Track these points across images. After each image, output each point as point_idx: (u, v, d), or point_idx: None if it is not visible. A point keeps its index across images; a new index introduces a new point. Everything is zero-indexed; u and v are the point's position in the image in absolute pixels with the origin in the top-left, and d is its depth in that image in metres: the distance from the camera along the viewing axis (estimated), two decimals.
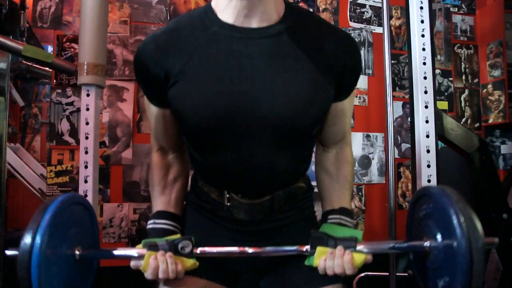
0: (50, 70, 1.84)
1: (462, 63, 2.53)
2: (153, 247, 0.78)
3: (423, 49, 1.44)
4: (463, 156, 1.72)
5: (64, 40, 1.99)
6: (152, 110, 0.85)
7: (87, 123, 1.51)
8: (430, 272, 0.76)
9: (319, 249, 0.79)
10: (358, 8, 2.37)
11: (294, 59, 0.76)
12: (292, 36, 0.76)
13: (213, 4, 0.79)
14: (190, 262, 0.80)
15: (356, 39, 2.33)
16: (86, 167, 1.50)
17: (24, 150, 2.22)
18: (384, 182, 2.28)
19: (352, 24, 2.35)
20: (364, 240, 0.81)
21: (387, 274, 1.55)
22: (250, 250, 0.79)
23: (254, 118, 0.75)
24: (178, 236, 0.84)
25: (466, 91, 2.52)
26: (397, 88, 2.38)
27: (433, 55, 1.46)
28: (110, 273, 1.84)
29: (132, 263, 0.80)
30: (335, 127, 0.89)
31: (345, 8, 2.34)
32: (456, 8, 2.54)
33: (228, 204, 0.84)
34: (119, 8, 2.05)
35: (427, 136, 1.42)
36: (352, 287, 1.93)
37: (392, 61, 2.32)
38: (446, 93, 2.49)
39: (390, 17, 2.37)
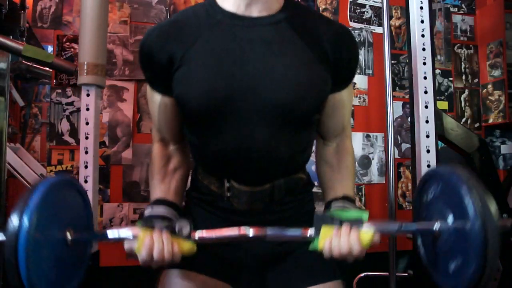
0: (50, 70, 1.83)
1: (462, 63, 2.53)
2: (149, 227, 0.74)
3: (423, 49, 1.44)
4: (463, 156, 1.72)
5: (64, 40, 1.99)
6: (156, 99, 0.85)
7: (87, 123, 1.51)
8: (440, 256, 0.72)
9: (323, 229, 0.74)
10: (358, 8, 2.37)
11: (293, 46, 0.79)
12: (291, 25, 0.79)
13: (218, 1, 0.82)
14: (188, 246, 0.75)
15: (356, 39, 2.33)
16: (86, 167, 1.50)
17: (24, 150, 2.22)
18: (384, 182, 2.28)
19: (352, 24, 2.35)
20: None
21: (387, 274, 1.55)
22: (250, 233, 0.74)
23: (254, 100, 0.77)
24: None
25: (466, 91, 2.53)
26: (397, 88, 2.38)
27: (433, 55, 1.46)
28: (110, 273, 1.84)
29: (126, 246, 0.73)
30: (334, 119, 0.89)
31: (345, 8, 2.34)
32: (456, 8, 2.54)
33: (228, 194, 0.84)
34: (119, 8, 2.05)
35: (427, 136, 1.42)
36: (352, 287, 1.93)
37: (392, 61, 2.31)
38: (446, 93, 2.49)
39: (390, 17, 2.37)
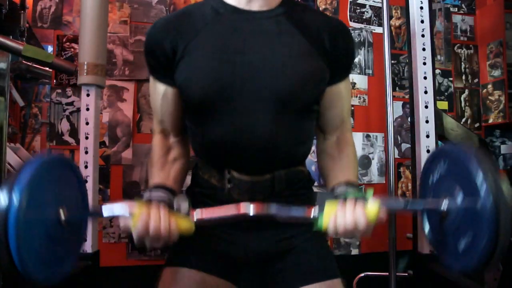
0: (50, 70, 1.84)
1: (462, 63, 2.53)
2: (147, 202, 0.71)
3: (423, 49, 1.44)
4: None
5: (64, 40, 1.99)
6: (159, 90, 0.87)
7: (87, 123, 1.51)
8: (448, 235, 0.70)
9: (328, 206, 0.72)
10: (358, 8, 2.37)
11: (291, 37, 0.82)
12: (289, 19, 0.84)
13: None
14: (186, 224, 0.72)
15: (356, 39, 2.34)
16: (86, 167, 1.50)
17: (24, 150, 2.22)
18: (384, 182, 2.28)
19: (352, 24, 2.35)
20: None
21: (387, 274, 1.55)
22: (251, 211, 0.71)
23: (255, 86, 0.79)
24: None
25: (466, 91, 2.52)
26: (397, 88, 2.38)
27: (433, 55, 1.46)
28: (110, 273, 1.84)
29: (122, 222, 0.70)
30: (333, 110, 0.90)
31: (345, 8, 2.34)
32: (456, 8, 2.54)
33: (229, 186, 0.84)
34: (119, 8, 2.05)
35: (427, 136, 1.42)
36: (352, 287, 1.93)
37: (392, 61, 2.31)
38: (446, 93, 2.49)
39: (390, 17, 2.37)
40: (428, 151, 1.41)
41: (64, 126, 1.97)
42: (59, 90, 1.98)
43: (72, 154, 1.94)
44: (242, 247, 0.87)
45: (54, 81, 1.97)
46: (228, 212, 0.73)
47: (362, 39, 2.36)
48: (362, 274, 1.95)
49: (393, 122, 1.61)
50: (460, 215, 0.66)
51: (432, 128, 1.42)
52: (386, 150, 2.24)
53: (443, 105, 2.45)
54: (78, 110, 1.89)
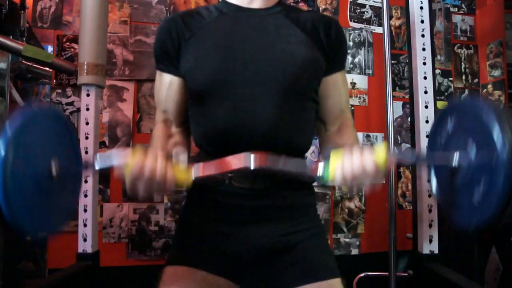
0: (50, 70, 1.84)
1: (462, 63, 2.53)
2: (144, 148, 0.69)
3: (423, 49, 1.44)
4: None
5: (64, 40, 1.99)
6: (165, 81, 0.92)
7: (87, 123, 1.51)
8: (458, 190, 0.69)
9: (334, 154, 0.69)
10: (358, 8, 2.37)
11: (289, 31, 0.90)
12: (286, 16, 0.92)
13: None
14: (183, 174, 0.69)
15: (356, 39, 2.34)
16: None
17: None
18: (384, 182, 2.28)
19: (352, 24, 2.35)
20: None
21: (387, 274, 1.55)
22: (252, 164, 0.68)
23: (257, 70, 0.84)
24: None
25: (466, 91, 2.52)
26: (397, 88, 2.38)
27: (433, 55, 1.46)
28: (110, 273, 1.84)
29: (117, 170, 0.68)
30: (331, 100, 0.94)
31: (345, 8, 2.34)
32: (456, 8, 2.54)
33: (230, 175, 0.85)
34: (119, 8, 2.05)
35: (427, 137, 1.42)
36: (352, 287, 1.93)
37: (392, 61, 2.31)
38: (446, 93, 2.49)
39: (390, 17, 2.37)
40: None
41: None
42: (59, 90, 1.98)
43: None
44: (243, 242, 0.87)
45: (54, 81, 1.97)
46: (228, 166, 0.70)
47: (362, 39, 2.36)
48: (362, 274, 1.95)
49: (393, 122, 1.61)
50: (473, 168, 0.64)
51: None
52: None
53: (443, 105, 2.45)
54: (78, 110, 1.89)
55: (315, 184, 0.99)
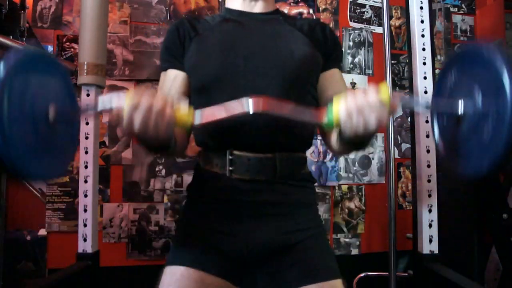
0: None
1: None
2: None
3: (423, 49, 1.44)
4: None
5: (64, 40, 1.99)
6: (170, 76, 0.96)
7: (87, 123, 1.51)
8: (462, 138, 0.68)
9: (336, 98, 0.68)
10: (358, 8, 2.37)
11: (289, 30, 0.97)
12: (285, 20, 1.00)
13: (226, 4, 1.04)
14: (183, 113, 0.68)
15: (356, 39, 2.34)
16: (86, 167, 1.50)
17: None
18: (384, 182, 2.28)
19: (352, 24, 2.35)
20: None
21: (387, 274, 1.55)
22: (250, 108, 0.67)
23: (259, 65, 0.88)
24: None
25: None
26: (397, 88, 2.38)
27: (433, 55, 1.46)
28: (110, 273, 1.84)
29: (116, 110, 0.66)
30: (330, 91, 0.95)
31: (345, 8, 2.34)
32: (456, 8, 2.54)
33: (231, 168, 0.86)
34: (119, 8, 2.05)
35: (427, 136, 1.42)
36: (352, 287, 1.93)
37: (392, 61, 2.32)
38: None
39: (390, 17, 2.37)
40: (428, 151, 1.41)
41: None
42: None
43: None
44: (243, 240, 0.87)
45: None
46: (230, 111, 0.69)
47: (362, 39, 2.36)
48: (362, 274, 1.95)
49: (393, 122, 1.61)
50: (478, 115, 0.63)
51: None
52: (386, 150, 2.24)
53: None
54: None
55: (315, 184, 0.99)
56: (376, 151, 2.31)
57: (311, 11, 2.27)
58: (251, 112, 0.68)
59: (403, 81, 2.40)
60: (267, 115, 0.69)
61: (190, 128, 0.71)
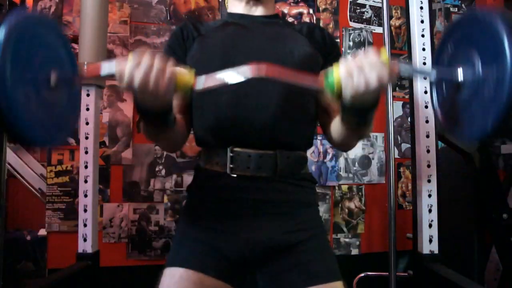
0: None
1: None
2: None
3: (423, 49, 1.44)
4: (463, 156, 1.73)
5: None
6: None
7: (87, 123, 1.51)
8: (461, 103, 0.69)
9: (336, 64, 0.69)
10: (358, 8, 2.37)
11: (289, 32, 1.00)
12: (284, 24, 1.05)
13: (228, 9, 1.08)
14: (184, 74, 0.68)
15: (356, 39, 2.34)
16: (86, 167, 1.50)
17: (24, 150, 2.22)
18: (384, 182, 2.28)
19: (352, 24, 2.35)
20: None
21: (387, 274, 1.55)
22: (249, 73, 0.68)
23: (261, 58, 0.84)
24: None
25: None
26: (397, 88, 2.38)
27: (433, 55, 1.46)
28: (110, 273, 1.84)
29: (118, 74, 0.67)
30: None
31: (345, 8, 2.34)
32: (456, 8, 2.54)
33: (232, 166, 0.86)
34: (119, 8, 2.05)
35: (427, 136, 1.42)
36: (352, 287, 1.93)
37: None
38: None
39: (390, 17, 2.37)
40: (428, 151, 1.41)
41: None
42: None
43: (72, 154, 1.94)
44: (244, 240, 0.86)
45: None
46: (232, 77, 0.70)
47: (362, 39, 2.36)
48: (362, 274, 1.95)
49: (393, 122, 1.61)
50: (478, 79, 0.64)
51: (432, 128, 1.42)
52: (386, 150, 2.24)
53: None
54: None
55: (316, 185, 0.99)
56: (376, 151, 2.31)
57: (311, 11, 2.27)
58: (249, 76, 0.69)
59: (403, 81, 2.40)
60: (268, 80, 0.71)
61: (190, 93, 0.71)
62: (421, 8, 1.45)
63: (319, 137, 2.20)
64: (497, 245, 1.78)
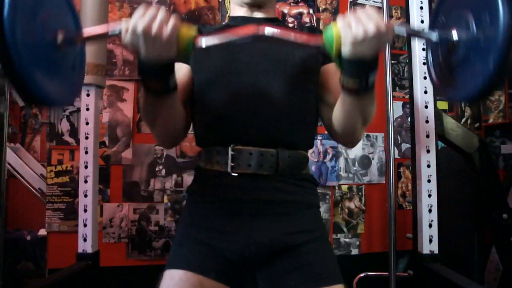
0: None
1: None
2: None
3: (423, 49, 1.44)
4: (463, 156, 1.73)
5: None
6: (177, 67, 0.97)
7: (87, 123, 1.51)
8: (455, 64, 0.70)
9: (334, 22, 0.71)
10: (358, 8, 2.36)
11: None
12: (284, 25, 1.05)
13: (230, 14, 1.09)
14: (187, 28, 0.69)
15: None
16: (86, 167, 1.50)
17: (24, 150, 2.23)
18: (384, 182, 2.28)
19: None
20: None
21: (387, 274, 1.55)
22: (256, 31, 0.71)
23: (261, 60, 0.91)
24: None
25: None
26: (397, 88, 2.38)
27: None
28: (110, 273, 1.84)
29: (124, 28, 0.71)
30: (334, 80, 0.94)
31: (345, 8, 2.34)
32: None
33: (232, 164, 0.86)
34: (119, 8, 2.05)
35: (427, 136, 1.42)
36: (352, 287, 1.93)
37: (392, 61, 2.31)
38: None
39: (390, 17, 2.37)
40: (428, 151, 1.41)
41: (64, 126, 1.97)
42: None
43: (72, 154, 1.94)
44: (244, 240, 0.86)
45: None
46: (232, 34, 0.72)
47: None
48: (362, 274, 1.95)
49: (393, 122, 1.61)
50: (471, 41, 0.65)
51: (432, 128, 1.42)
52: (386, 150, 2.24)
53: (443, 105, 2.45)
54: (78, 110, 1.88)
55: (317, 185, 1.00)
56: (376, 151, 2.31)
57: (311, 11, 2.27)
58: (250, 35, 0.71)
59: (403, 81, 2.40)
60: (267, 41, 0.73)
61: (191, 50, 0.71)
62: (421, 8, 1.45)
63: (319, 137, 2.20)
64: (497, 245, 1.78)
